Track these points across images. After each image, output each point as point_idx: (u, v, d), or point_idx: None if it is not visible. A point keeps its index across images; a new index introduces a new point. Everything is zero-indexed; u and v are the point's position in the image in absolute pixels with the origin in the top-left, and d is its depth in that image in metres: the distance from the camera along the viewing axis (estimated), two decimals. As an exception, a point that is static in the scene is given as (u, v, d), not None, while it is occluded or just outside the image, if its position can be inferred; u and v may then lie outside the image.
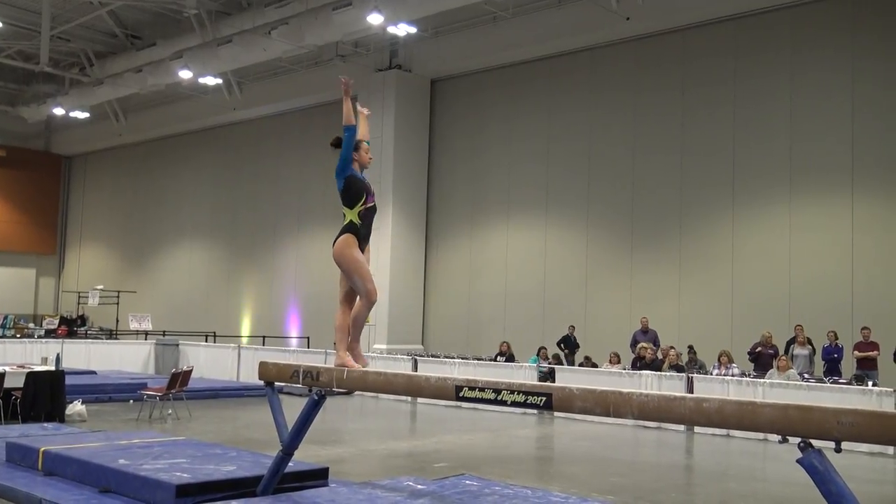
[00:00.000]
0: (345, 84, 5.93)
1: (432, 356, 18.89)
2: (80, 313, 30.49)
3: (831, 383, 13.29)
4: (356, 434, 12.34)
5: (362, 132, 6.05)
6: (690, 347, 16.16)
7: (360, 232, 5.80)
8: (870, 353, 14.41)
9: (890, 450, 11.00)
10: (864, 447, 10.02)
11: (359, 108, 6.16)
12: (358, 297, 5.89)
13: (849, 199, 16.13)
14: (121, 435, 8.94)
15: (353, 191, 5.82)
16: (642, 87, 19.08)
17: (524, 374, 15.43)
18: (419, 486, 6.83)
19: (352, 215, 5.79)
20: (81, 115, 28.86)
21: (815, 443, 3.86)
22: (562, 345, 18.17)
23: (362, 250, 5.83)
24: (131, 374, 18.01)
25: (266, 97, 25.87)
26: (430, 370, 15.61)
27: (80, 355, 18.95)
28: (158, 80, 24.25)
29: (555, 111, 20.43)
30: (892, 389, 12.14)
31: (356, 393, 16.04)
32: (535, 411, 13.82)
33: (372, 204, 5.89)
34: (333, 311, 6.06)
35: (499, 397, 4.98)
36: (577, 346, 18.20)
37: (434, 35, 21.35)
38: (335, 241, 5.81)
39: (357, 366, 5.82)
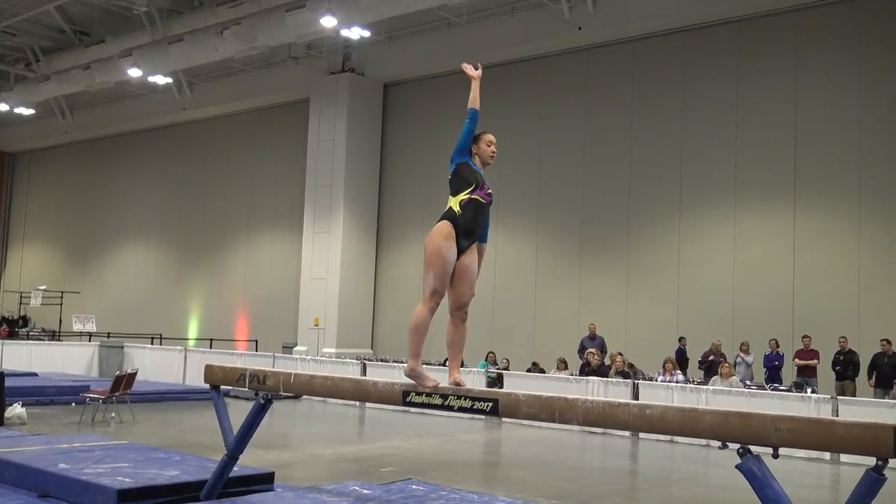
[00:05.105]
0: (476, 67, 5.35)
1: (381, 360, 18.84)
2: (21, 313, 29.83)
3: (772, 390, 13.59)
4: (303, 438, 12.27)
5: (472, 97, 5.32)
6: (628, 364, 15.78)
7: (460, 222, 5.11)
8: (810, 362, 14.81)
9: (826, 455, 11.27)
10: (802, 452, 10.24)
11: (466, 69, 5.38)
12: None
13: (791, 211, 16.51)
14: (62, 438, 8.77)
15: (462, 178, 5.16)
16: (593, 96, 19.31)
17: (472, 378, 15.45)
18: (365, 491, 6.82)
19: (453, 202, 5.14)
20: (27, 111, 28.30)
21: (755, 448, 3.94)
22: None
23: (462, 248, 5.19)
24: (74, 376, 17.65)
25: (217, 97, 25.61)
26: (379, 374, 15.58)
27: (21, 356, 18.54)
28: (107, 77, 23.85)
29: (506, 118, 20.53)
30: (829, 396, 12.46)
31: (304, 397, 15.94)
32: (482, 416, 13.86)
33: (480, 198, 5.14)
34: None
35: (446, 403, 5.00)
36: (687, 359, 16.24)
37: (388, 39, 21.36)
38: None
39: (431, 381, 5.09)
